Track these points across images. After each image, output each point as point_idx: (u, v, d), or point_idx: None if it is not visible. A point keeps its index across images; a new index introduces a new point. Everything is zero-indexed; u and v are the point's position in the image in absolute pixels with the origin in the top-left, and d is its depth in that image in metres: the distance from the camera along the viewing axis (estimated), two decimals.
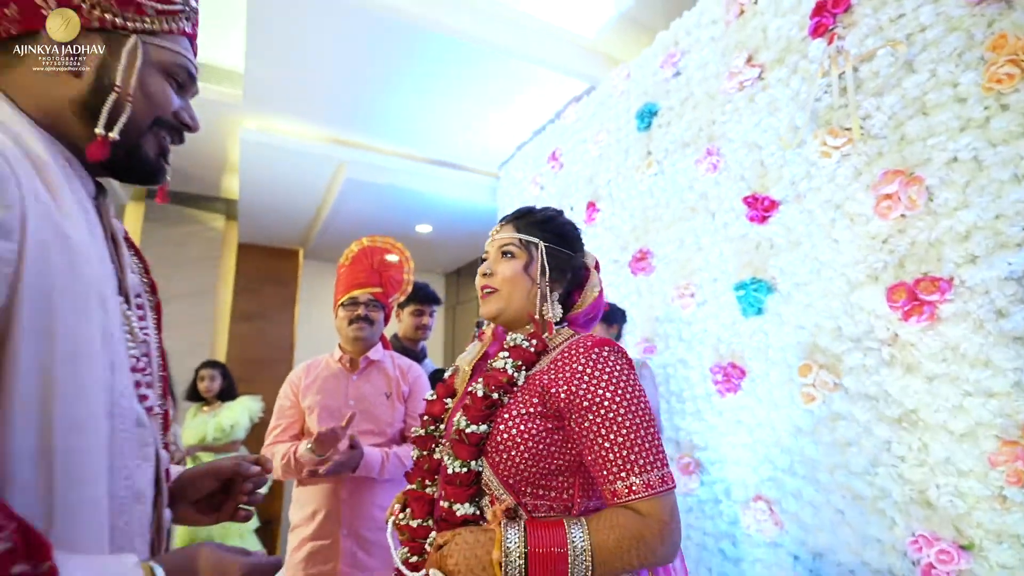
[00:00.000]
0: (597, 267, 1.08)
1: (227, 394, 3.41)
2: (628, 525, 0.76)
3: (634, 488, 0.77)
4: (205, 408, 3.36)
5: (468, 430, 0.83)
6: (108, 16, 0.59)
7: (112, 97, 0.59)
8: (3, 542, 0.39)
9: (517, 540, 0.75)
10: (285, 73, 3.16)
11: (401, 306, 2.56)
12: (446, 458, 0.85)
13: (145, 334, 0.66)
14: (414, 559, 0.88)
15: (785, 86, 2.02)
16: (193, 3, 0.69)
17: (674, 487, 0.80)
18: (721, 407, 2.18)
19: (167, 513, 0.68)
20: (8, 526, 0.40)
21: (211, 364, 3.50)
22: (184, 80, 0.69)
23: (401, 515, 0.94)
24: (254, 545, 3.13)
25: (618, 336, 2.40)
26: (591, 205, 3.05)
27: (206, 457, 3.17)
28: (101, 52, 0.60)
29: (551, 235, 0.97)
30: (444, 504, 0.84)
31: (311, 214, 5.15)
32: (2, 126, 0.53)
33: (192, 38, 0.71)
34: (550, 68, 3.16)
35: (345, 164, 4.05)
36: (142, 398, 0.62)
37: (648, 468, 0.78)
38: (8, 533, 0.40)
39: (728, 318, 2.18)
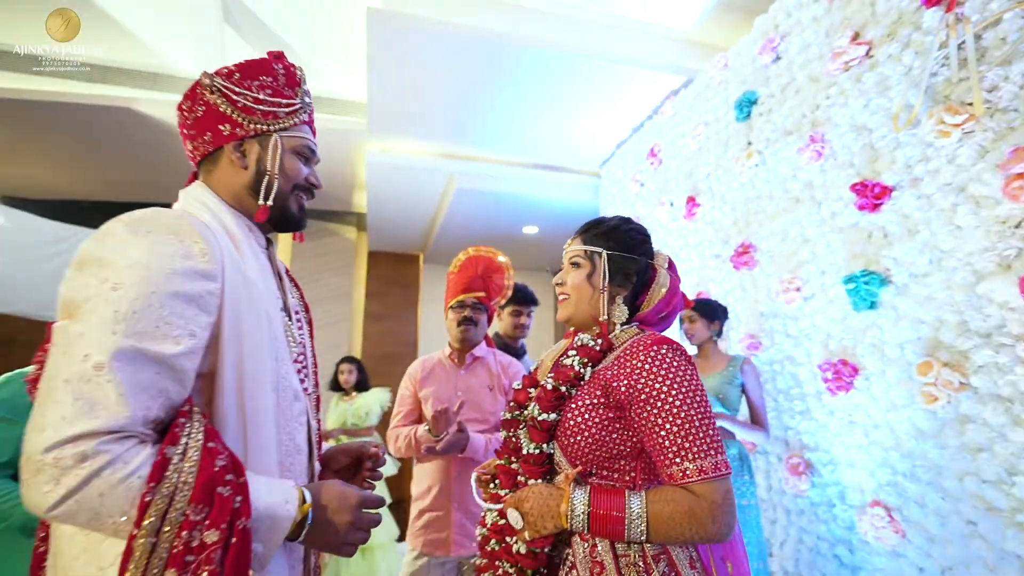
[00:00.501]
0: (671, 267, 1.12)
1: (362, 385, 3.89)
2: (682, 501, 0.84)
3: (688, 473, 0.85)
4: (344, 398, 3.87)
5: (540, 417, 0.96)
6: (259, 127, 0.84)
7: (266, 179, 0.85)
8: (221, 459, 0.65)
9: (583, 499, 0.87)
10: (401, 100, 3.54)
11: (502, 307, 2.76)
12: (523, 440, 1.00)
13: (301, 338, 0.92)
14: (502, 522, 1.04)
15: (896, 62, 1.87)
16: (307, 99, 0.91)
17: (727, 474, 0.87)
18: (832, 406, 2.08)
19: (317, 465, 0.92)
20: (224, 452, 0.66)
21: (349, 360, 4.01)
22: (308, 155, 0.91)
23: (491, 485, 1.10)
24: (388, 520, 3.55)
25: (719, 333, 2.37)
26: (691, 200, 3.02)
27: (346, 439, 3.66)
28: (256, 150, 0.85)
29: (614, 243, 1.05)
30: (521, 479, 0.99)
31: (428, 222, 5.61)
32: (209, 210, 0.81)
33: (310, 123, 0.93)
34: (645, 67, 3.17)
35: (455, 175, 4.39)
36: (300, 381, 0.87)
37: (702, 455, 0.85)
38: (226, 455, 0.66)
39: (838, 313, 2.07)
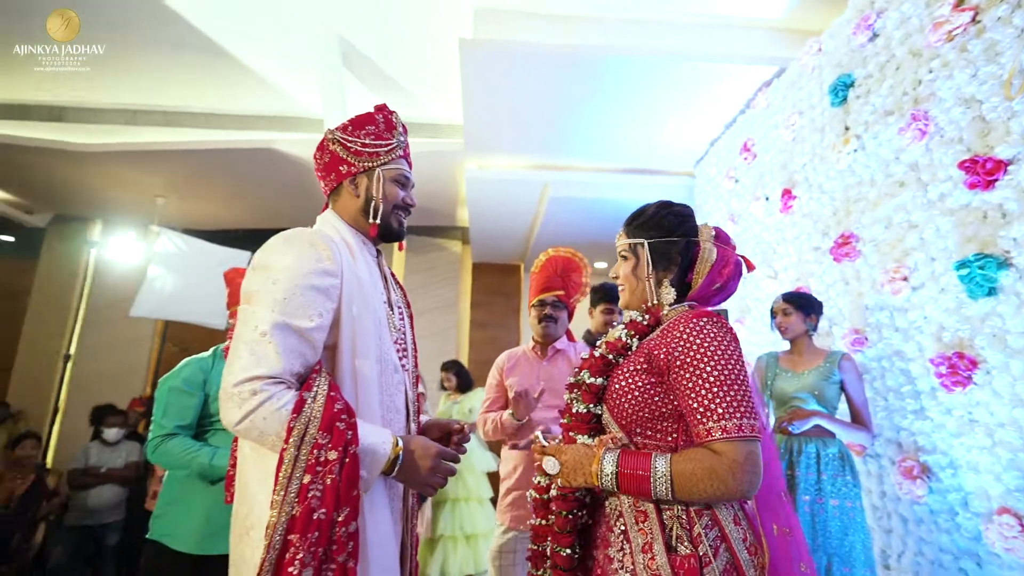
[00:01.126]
0: (720, 237, 1.14)
1: (465, 386, 4.19)
2: (704, 459, 0.90)
3: (712, 431, 0.90)
4: (451, 396, 4.19)
5: (589, 381, 1.08)
6: (366, 164, 1.11)
7: (373, 203, 1.11)
8: (339, 404, 0.89)
9: (612, 460, 0.96)
10: (494, 119, 3.81)
11: (593, 304, 2.85)
12: (574, 402, 1.11)
13: (402, 326, 1.17)
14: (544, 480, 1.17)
15: (1006, 25, 1.72)
16: (402, 138, 1.16)
17: (752, 437, 0.91)
18: (949, 404, 1.91)
19: (414, 427, 1.15)
20: (341, 400, 0.91)
21: (446, 366, 4.33)
22: (403, 182, 1.16)
23: (554, 440, 1.23)
24: (490, 512, 3.76)
25: (815, 327, 2.26)
26: (787, 193, 2.90)
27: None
28: (365, 182, 1.12)
29: (654, 231, 1.12)
30: (571, 435, 1.10)
31: (527, 232, 5.85)
32: (336, 229, 1.09)
33: (406, 155, 1.18)
34: (736, 61, 3.11)
35: (549, 184, 4.57)
36: (400, 358, 1.11)
37: (727, 416, 0.91)
38: (342, 403, 0.90)
39: (951, 302, 1.91)
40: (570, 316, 2.07)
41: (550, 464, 1.03)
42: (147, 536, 1.62)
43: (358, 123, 1.12)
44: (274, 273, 0.93)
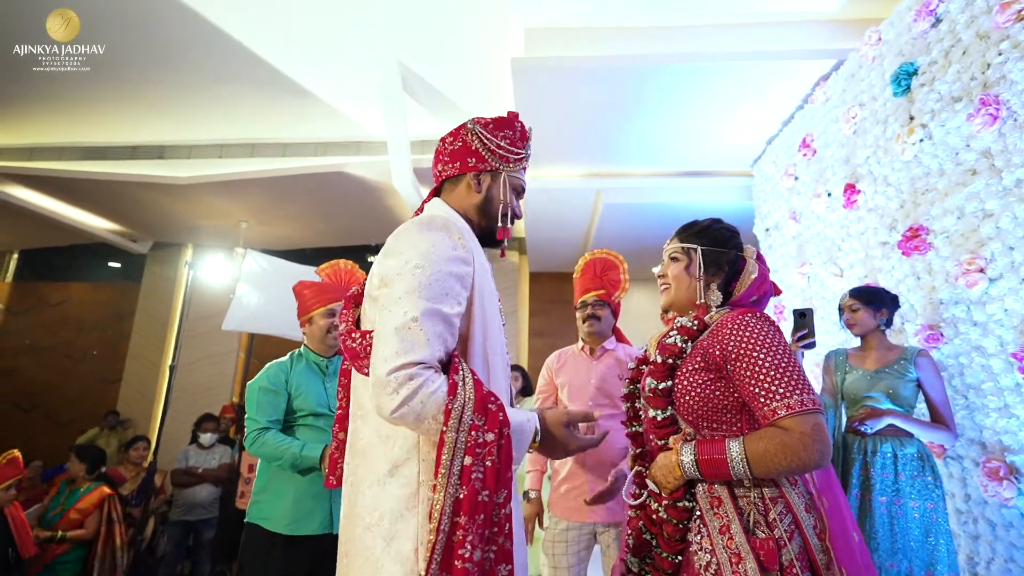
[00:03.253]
0: (760, 258, 1.25)
1: (528, 390, 4.29)
2: (775, 436, 0.96)
3: (777, 410, 0.97)
4: (515, 401, 4.31)
5: (660, 387, 1.15)
6: (496, 165, 1.09)
7: (500, 207, 1.10)
8: (485, 387, 0.89)
9: (690, 450, 1.05)
10: (547, 132, 3.93)
11: (665, 312, 2.87)
12: (650, 410, 1.18)
13: (503, 319, 1.20)
14: (645, 475, 1.24)
15: None
16: (529, 151, 1.15)
17: (815, 409, 0.96)
18: None
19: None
20: (485, 386, 0.90)
21: (514, 367, 4.44)
22: (520, 193, 1.16)
23: (629, 449, 1.32)
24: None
25: (888, 322, 2.18)
26: (850, 187, 2.82)
27: None
28: (488, 181, 1.10)
29: (707, 240, 1.23)
30: (651, 437, 1.18)
31: (582, 240, 5.91)
32: (455, 216, 1.06)
33: (526, 168, 1.17)
34: (791, 58, 3.07)
35: (601, 192, 4.63)
36: (507, 351, 1.16)
37: (788, 394, 0.97)
38: (487, 390, 0.89)
39: None
40: (615, 314, 2.13)
41: (652, 486, 1.11)
42: (245, 519, 1.82)
43: (500, 124, 1.11)
44: (415, 258, 0.92)
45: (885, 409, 2.02)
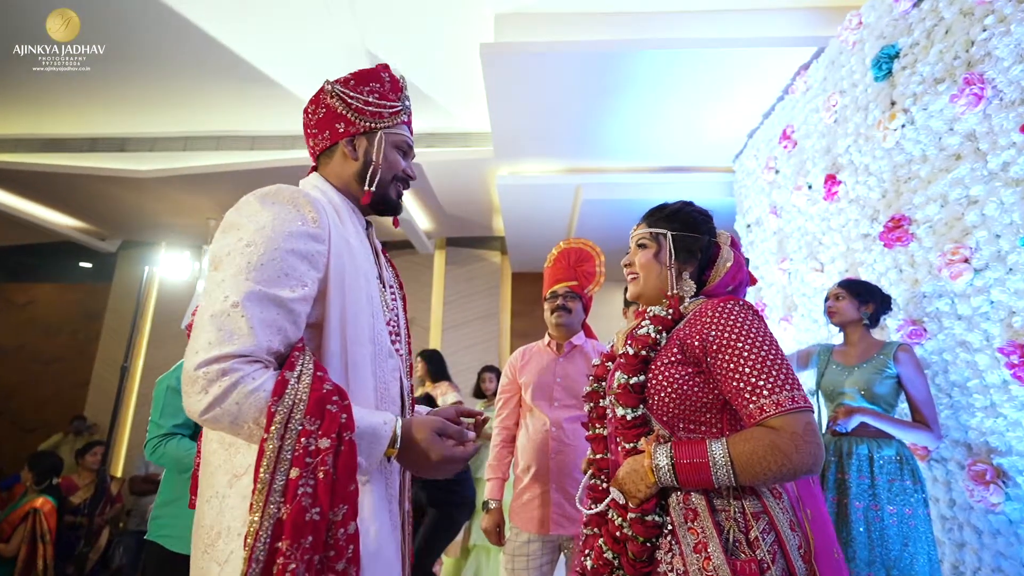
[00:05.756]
0: (735, 244, 1.14)
1: None
2: (762, 437, 0.84)
3: (765, 408, 0.85)
4: (486, 403, 4.14)
5: (631, 381, 1.00)
6: (368, 124, 0.98)
7: (371, 168, 0.98)
8: (328, 385, 0.75)
9: (665, 452, 0.91)
10: (521, 124, 3.79)
11: (627, 305, 2.74)
12: (618, 409, 1.02)
13: (394, 307, 1.05)
14: (603, 485, 1.10)
15: None
16: (407, 103, 1.04)
17: (806, 407, 0.84)
18: None
19: (408, 415, 1.02)
20: (330, 380, 0.77)
21: (489, 368, 4.28)
22: (406, 149, 1.04)
23: (588, 454, 1.17)
24: None
25: (873, 320, 2.05)
26: (830, 178, 2.70)
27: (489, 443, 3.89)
28: (365, 144, 0.99)
29: (678, 224, 1.11)
30: (618, 440, 1.02)
31: (562, 237, 5.78)
32: (322, 192, 0.97)
33: (409, 123, 1.06)
34: (770, 45, 2.96)
35: (581, 187, 4.50)
36: (393, 342, 0.99)
37: (776, 390, 0.85)
38: (331, 383, 0.76)
39: (1021, 283, 1.69)
40: (586, 309, 1.98)
41: (617, 496, 0.96)
42: (145, 536, 1.64)
43: (362, 78, 0.99)
44: (248, 234, 0.79)
45: (856, 407, 1.90)
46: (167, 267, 5.18)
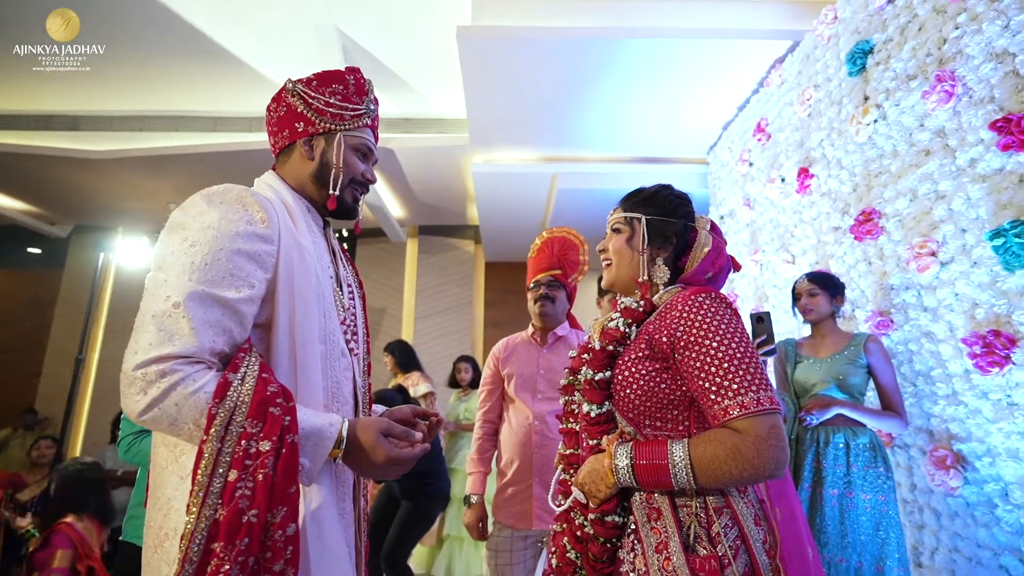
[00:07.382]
0: (714, 229, 1.11)
1: (477, 383, 4.10)
2: (725, 440, 0.82)
3: (729, 410, 0.83)
4: (461, 394, 4.11)
5: (597, 377, 0.98)
6: (328, 126, 0.97)
7: (332, 172, 0.97)
8: (273, 387, 0.75)
9: (625, 452, 0.89)
10: (498, 110, 3.73)
11: (601, 294, 2.74)
12: (584, 404, 1.01)
13: (351, 306, 1.02)
14: (566, 504, 1.07)
15: None
16: (372, 107, 1.03)
17: (772, 409, 0.82)
18: (985, 387, 1.75)
19: (364, 415, 0.99)
20: (275, 382, 0.76)
21: (465, 358, 4.25)
22: (366, 152, 1.03)
23: (559, 448, 1.15)
24: None
25: (840, 310, 2.11)
26: (803, 172, 2.75)
27: (463, 434, 3.87)
28: (323, 145, 0.98)
29: (653, 208, 1.06)
30: (584, 436, 1.01)
31: (537, 227, 5.75)
32: (274, 191, 0.95)
33: (374, 127, 1.05)
34: (746, 37, 2.98)
35: (556, 176, 4.47)
36: (347, 341, 0.97)
37: (742, 392, 0.83)
38: (276, 385, 0.76)
39: (984, 276, 1.75)
40: (571, 299, 1.97)
41: (578, 495, 0.94)
42: (120, 538, 1.56)
43: (325, 79, 0.98)
44: (193, 234, 0.78)
45: (831, 398, 1.94)
46: (124, 254, 4.93)
